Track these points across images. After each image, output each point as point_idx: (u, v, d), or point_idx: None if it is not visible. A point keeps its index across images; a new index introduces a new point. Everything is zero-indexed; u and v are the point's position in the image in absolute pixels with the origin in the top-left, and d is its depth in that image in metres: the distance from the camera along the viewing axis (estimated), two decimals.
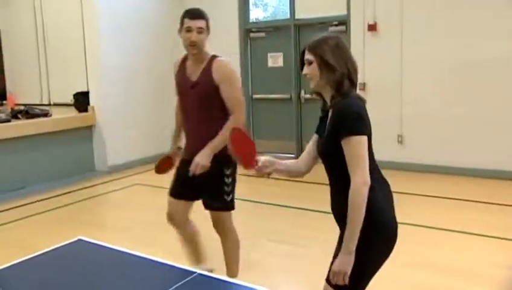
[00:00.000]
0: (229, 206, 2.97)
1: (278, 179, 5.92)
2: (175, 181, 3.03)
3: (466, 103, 5.93)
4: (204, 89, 2.77)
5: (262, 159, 2.00)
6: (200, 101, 2.79)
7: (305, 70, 1.91)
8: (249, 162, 2.00)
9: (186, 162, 2.85)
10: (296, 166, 2.08)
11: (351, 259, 1.75)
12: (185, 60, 2.92)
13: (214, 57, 2.83)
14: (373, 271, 1.87)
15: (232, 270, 3.05)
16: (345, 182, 1.79)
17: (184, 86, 2.86)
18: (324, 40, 1.89)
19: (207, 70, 2.78)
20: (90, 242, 2.38)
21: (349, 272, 1.75)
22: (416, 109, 6.25)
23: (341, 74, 1.83)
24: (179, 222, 3.04)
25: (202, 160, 2.71)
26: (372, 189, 1.78)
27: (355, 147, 1.75)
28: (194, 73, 2.83)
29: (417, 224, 4.26)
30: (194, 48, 2.74)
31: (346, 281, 1.77)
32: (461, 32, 5.87)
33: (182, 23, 2.77)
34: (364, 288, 1.89)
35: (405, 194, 5.16)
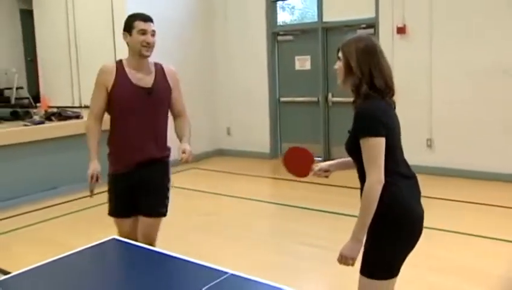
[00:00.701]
0: (167, 212, 2.94)
1: (310, 182, 5.94)
2: (117, 200, 2.88)
3: (496, 107, 5.83)
4: (162, 94, 2.81)
5: (317, 167, 2.29)
6: (156, 106, 2.79)
7: (336, 65, 2.03)
8: (302, 173, 2.34)
9: (124, 175, 2.79)
10: None
11: (359, 247, 1.91)
12: (120, 68, 2.78)
13: (158, 63, 2.86)
14: (400, 260, 1.96)
15: None
16: None
17: (134, 95, 2.73)
18: (354, 42, 1.97)
19: (161, 76, 2.81)
20: (124, 241, 2.44)
21: (356, 258, 1.91)
22: (446, 113, 6.16)
23: (359, 78, 1.92)
24: (135, 238, 2.88)
25: (190, 147, 2.72)
26: (398, 183, 1.91)
27: (370, 148, 1.86)
28: (142, 79, 2.76)
29: (445, 229, 4.21)
30: (149, 50, 2.73)
31: (353, 265, 1.93)
32: (493, 35, 5.77)
33: (131, 26, 2.73)
34: (395, 276, 1.97)
35: (433, 199, 5.09)
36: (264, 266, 3.55)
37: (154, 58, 2.87)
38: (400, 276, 1.97)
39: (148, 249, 2.32)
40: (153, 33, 2.74)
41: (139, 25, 2.71)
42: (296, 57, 7.57)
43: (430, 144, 6.34)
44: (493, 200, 5.05)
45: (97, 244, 2.41)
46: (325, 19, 7.23)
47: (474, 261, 3.64)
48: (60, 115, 6.43)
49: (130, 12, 2.79)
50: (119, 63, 2.80)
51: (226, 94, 8.20)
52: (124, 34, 2.77)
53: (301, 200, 5.33)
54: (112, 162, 2.87)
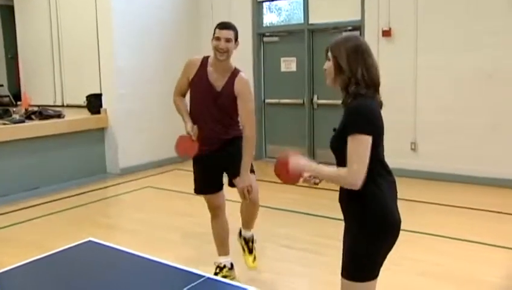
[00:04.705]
0: (254, 171, 3.25)
1: (295, 185, 5.87)
2: (201, 178, 3.29)
3: (481, 111, 5.87)
4: (226, 99, 3.08)
5: (307, 174, 2.14)
6: (220, 109, 3.10)
7: (325, 65, 2.03)
8: (293, 181, 2.21)
9: (203, 157, 3.14)
10: None
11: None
12: (204, 63, 3.13)
13: (237, 70, 3.13)
14: (380, 262, 1.97)
15: (251, 225, 3.42)
16: None
17: (206, 91, 3.09)
18: (343, 42, 1.98)
19: (230, 83, 3.09)
20: (100, 243, 2.39)
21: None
22: (430, 116, 6.19)
23: (349, 78, 1.94)
24: (223, 210, 3.39)
25: (247, 181, 3.05)
26: (378, 184, 1.92)
27: (358, 145, 1.85)
28: (217, 81, 3.09)
29: (428, 232, 4.21)
30: (222, 54, 3.00)
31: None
32: (478, 40, 5.81)
33: (214, 33, 3.06)
34: (376, 277, 1.96)
35: (416, 202, 5.10)
36: (246, 268, 3.49)
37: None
38: (386, 281, 1.94)
39: (124, 252, 2.28)
40: (228, 39, 3.00)
41: (216, 32, 3.04)
42: (282, 59, 7.54)
43: (414, 147, 6.35)
44: (477, 205, 5.07)
45: (73, 246, 2.36)
46: (311, 21, 7.22)
47: (456, 264, 3.63)
48: (41, 114, 6.32)
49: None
50: (205, 59, 3.14)
51: None
52: (211, 39, 3.08)
53: (286, 203, 5.29)
54: None
